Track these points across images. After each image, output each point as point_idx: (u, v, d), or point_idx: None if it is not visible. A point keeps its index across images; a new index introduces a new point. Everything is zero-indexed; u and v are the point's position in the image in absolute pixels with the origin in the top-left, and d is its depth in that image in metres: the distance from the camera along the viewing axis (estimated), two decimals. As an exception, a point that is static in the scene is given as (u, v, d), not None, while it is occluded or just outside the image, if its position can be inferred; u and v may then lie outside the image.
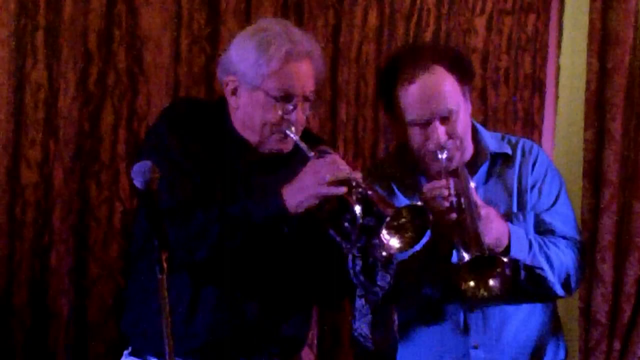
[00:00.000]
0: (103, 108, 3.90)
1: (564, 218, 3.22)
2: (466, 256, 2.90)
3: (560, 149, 4.62)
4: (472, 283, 2.92)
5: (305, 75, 2.97)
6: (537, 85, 4.56)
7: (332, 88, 4.26)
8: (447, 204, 2.94)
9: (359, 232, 2.81)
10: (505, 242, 3.01)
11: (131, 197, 3.89)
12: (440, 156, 3.06)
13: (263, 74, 2.93)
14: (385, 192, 3.15)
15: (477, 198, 3.02)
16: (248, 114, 2.99)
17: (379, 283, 2.82)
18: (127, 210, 3.91)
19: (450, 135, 3.09)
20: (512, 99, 4.50)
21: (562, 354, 3.30)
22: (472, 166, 3.17)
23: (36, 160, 3.81)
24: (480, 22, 4.46)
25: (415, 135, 3.11)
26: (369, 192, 2.81)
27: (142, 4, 3.93)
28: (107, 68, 3.90)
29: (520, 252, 3.04)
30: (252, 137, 3.00)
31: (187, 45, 4.01)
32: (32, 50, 3.79)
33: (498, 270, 2.90)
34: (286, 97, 2.94)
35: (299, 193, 2.83)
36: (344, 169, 2.83)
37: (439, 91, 3.08)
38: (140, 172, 2.47)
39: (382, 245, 2.76)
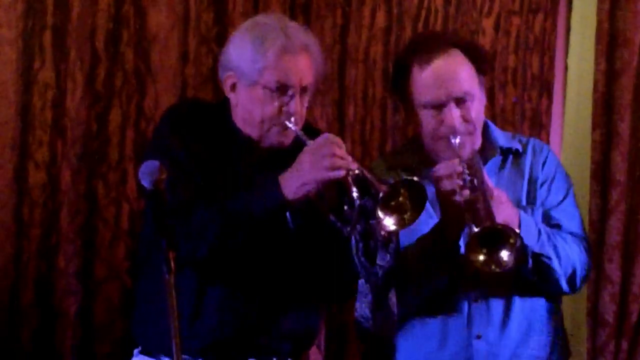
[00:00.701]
0: (111, 108, 3.90)
1: (571, 216, 3.23)
2: (476, 230, 2.89)
3: (568, 150, 4.62)
4: (482, 257, 2.91)
5: (302, 67, 2.97)
6: (545, 86, 4.55)
7: (340, 89, 4.25)
8: (460, 182, 2.93)
9: (357, 214, 2.80)
10: (515, 226, 3.01)
11: (139, 198, 3.89)
12: (453, 140, 3.05)
13: (259, 69, 2.94)
14: None
15: (489, 180, 3.02)
16: (247, 109, 3.00)
17: (378, 262, 2.82)
18: (134, 211, 3.91)
19: (464, 119, 3.09)
20: (513, 100, 4.49)
21: (564, 351, 3.30)
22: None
23: (43, 160, 3.81)
24: (487, 23, 4.45)
25: (429, 119, 3.11)
26: (365, 173, 2.80)
27: (150, 5, 3.93)
28: (114, 68, 3.90)
29: (529, 237, 3.04)
30: (253, 133, 3.01)
31: (195, 45, 4.01)
32: (40, 50, 3.79)
33: (510, 241, 2.89)
34: (283, 89, 2.95)
35: (297, 179, 2.83)
36: (339, 152, 2.83)
37: (456, 73, 3.09)
38: (147, 172, 2.47)
39: (379, 224, 2.76)
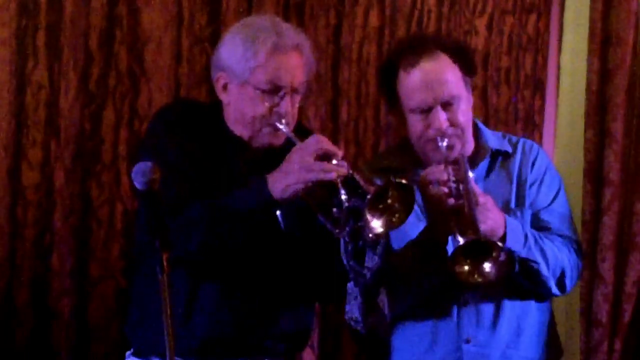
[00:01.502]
0: (104, 108, 3.91)
1: (561, 217, 3.23)
2: (462, 240, 2.90)
3: (561, 149, 4.62)
4: (466, 268, 2.92)
5: (293, 67, 2.96)
6: (538, 86, 4.55)
7: (334, 88, 4.26)
8: (445, 190, 2.94)
9: (346, 215, 2.78)
10: (501, 232, 3.02)
11: (132, 198, 3.89)
12: (440, 144, 3.07)
13: (250, 68, 2.93)
14: None
15: (476, 187, 3.03)
16: (238, 109, 3.00)
17: (367, 264, 2.81)
18: (128, 211, 3.92)
19: (452, 123, 3.09)
20: (512, 99, 4.50)
21: (556, 351, 3.30)
22: (472, 162, 3.17)
23: (37, 160, 3.82)
24: (481, 23, 4.46)
25: (416, 122, 3.12)
26: (354, 174, 2.79)
27: (143, 5, 3.94)
28: (108, 68, 3.90)
29: (515, 243, 3.05)
30: (244, 133, 3.00)
31: (188, 45, 4.01)
32: (33, 50, 3.80)
33: (493, 255, 2.90)
34: (274, 90, 2.94)
35: (285, 178, 2.80)
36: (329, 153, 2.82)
37: (442, 77, 3.09)
38: (140, 173, 2.46)
39: (367, 225, 2.74)
